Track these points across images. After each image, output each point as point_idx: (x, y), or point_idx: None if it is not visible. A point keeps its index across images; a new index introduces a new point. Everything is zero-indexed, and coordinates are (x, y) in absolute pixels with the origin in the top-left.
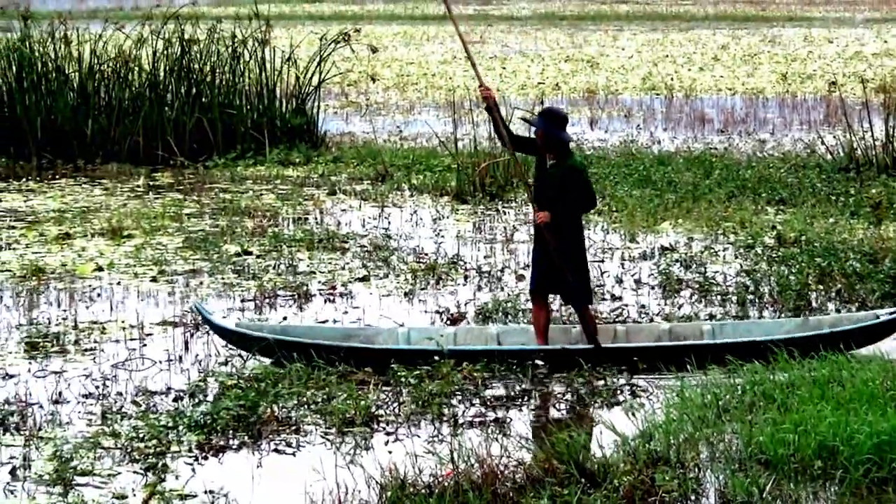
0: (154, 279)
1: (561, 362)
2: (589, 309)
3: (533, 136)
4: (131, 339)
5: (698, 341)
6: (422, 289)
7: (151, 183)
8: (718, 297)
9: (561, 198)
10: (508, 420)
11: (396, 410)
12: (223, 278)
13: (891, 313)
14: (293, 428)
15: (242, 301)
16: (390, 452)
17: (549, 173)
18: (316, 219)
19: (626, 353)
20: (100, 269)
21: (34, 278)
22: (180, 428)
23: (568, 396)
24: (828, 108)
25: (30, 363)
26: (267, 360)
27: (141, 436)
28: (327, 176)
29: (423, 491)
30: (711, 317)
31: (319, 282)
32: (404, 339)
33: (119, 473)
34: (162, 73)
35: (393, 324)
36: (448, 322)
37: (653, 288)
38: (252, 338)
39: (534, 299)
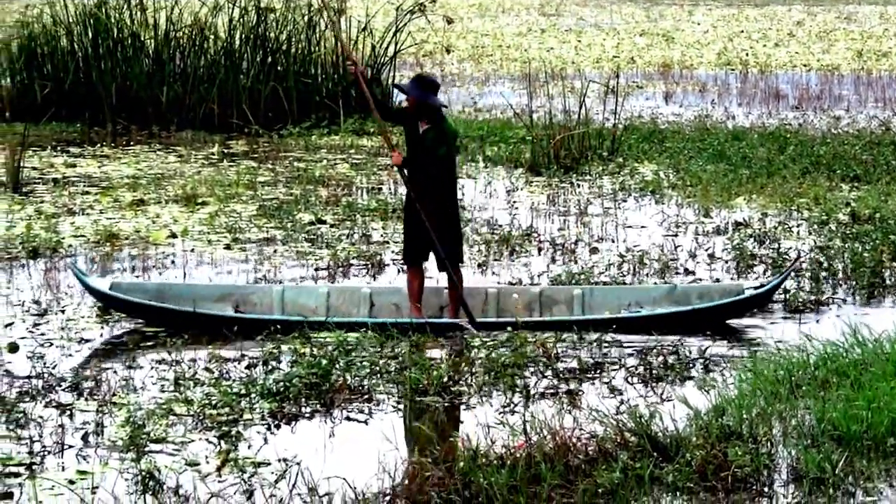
0: (228, 247)
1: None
2: (459, 269)
3: (405, 102)
4: None
5: (557, 317)
6: (495, 260)
7: (226, 151)
8: (792, 273)
9: (436, 159)
10: (581, 392)
11: (469, 381)
12: (297, 247)
13: (756, 288)
14: (365, 397)
15: (316, 270)
16: (462, 423)
17: (425, 137)
18: (390, 188)
19: (495, 324)
20: (173, 235)
21: (108, 244)
22: (253, 395)
23: (640, 370)
24: None
25: (102, 328)
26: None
27: (213, 403)
28: (402, 146)
29: (494, 462)
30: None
31: (393, 251)
32: (279, 298)
33: (192, 441)
34: (237, 42)
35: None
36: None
37: (726, 262)
38: (125, 301)
39: (408, 266)
